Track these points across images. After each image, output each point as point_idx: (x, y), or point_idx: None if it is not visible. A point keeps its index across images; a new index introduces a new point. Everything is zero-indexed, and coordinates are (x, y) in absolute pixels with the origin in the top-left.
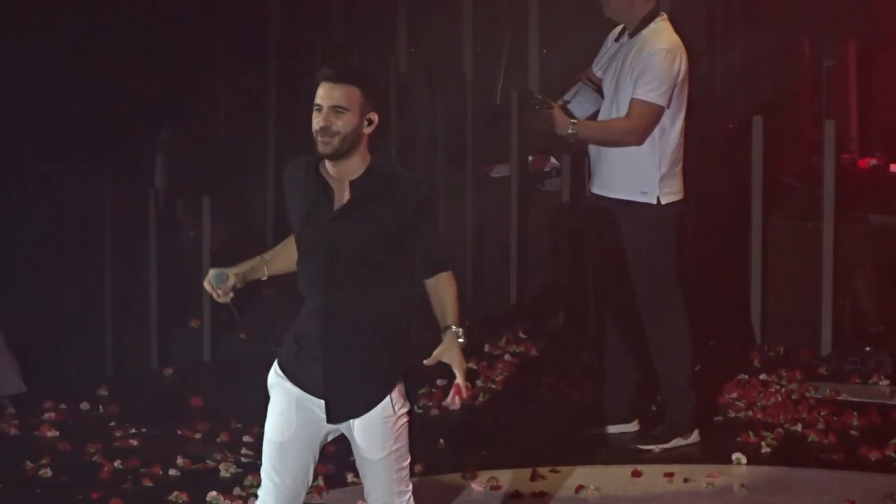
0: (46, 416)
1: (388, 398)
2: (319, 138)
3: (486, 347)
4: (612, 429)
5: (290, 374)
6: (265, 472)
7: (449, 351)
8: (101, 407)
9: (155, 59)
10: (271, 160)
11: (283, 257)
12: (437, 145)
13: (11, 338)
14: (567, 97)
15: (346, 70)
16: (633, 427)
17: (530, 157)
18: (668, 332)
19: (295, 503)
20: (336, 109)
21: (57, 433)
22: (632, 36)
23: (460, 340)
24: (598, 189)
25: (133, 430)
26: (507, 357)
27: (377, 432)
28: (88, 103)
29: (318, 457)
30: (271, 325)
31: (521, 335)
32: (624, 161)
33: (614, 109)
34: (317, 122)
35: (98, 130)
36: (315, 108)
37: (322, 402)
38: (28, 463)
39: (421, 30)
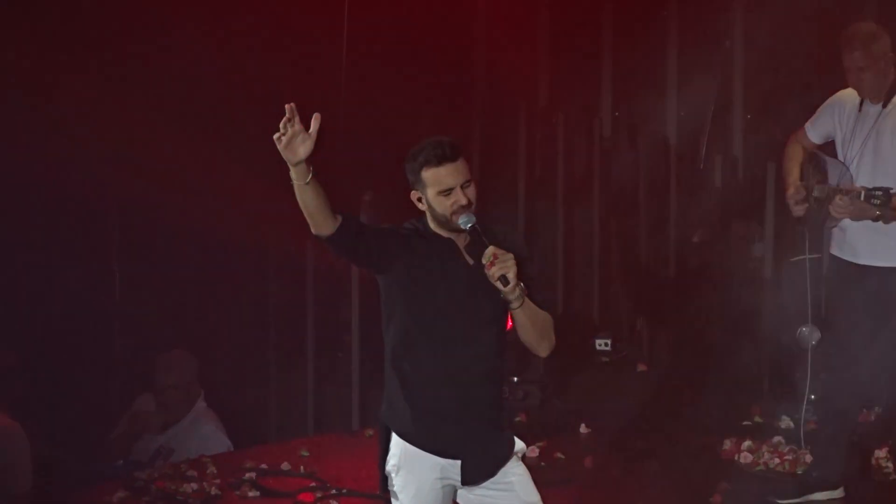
0: (247, 475)
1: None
2: (458, 215)
3: (686, 411)
4: (819, 496)
5: (422, 443)
6: None
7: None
8: (301, 467)
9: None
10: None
11: (321, 195)
12: (640, 209)
13: (213, 398)
14: (840, 182)
15: (452, 146)
16: (838, 493)
17: (733, 222)
18: None
19: None
20: (464, 185)
21: (258, 493)
22: (885, 105)
23: (522, 292)
24: (867, 259)
25: (334, 491)
26: (707, 421)
27: (524, 472)
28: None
29: None
30: None
31: (721, 400)
32: None
33: (880, 175)
34: (455, 200)
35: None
36: (444, 192)
37: (456, 463)
38: None
39: (625, 94)
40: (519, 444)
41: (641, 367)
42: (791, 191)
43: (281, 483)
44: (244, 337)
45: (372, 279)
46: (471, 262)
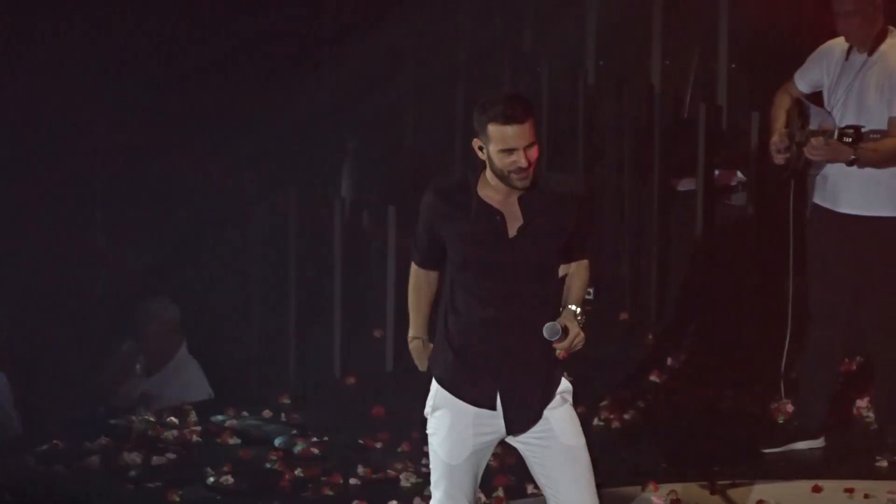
0: (228, 423)
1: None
2: (517, 175)
3: (669, 361)
4: (800, 445)
5: (457, 390)
6: (442, 491)
7: (565, 319)
8: (283, 415)
9: (349, 79)
10: (458, 171)
11: (427, 314)
12: (623, 158)
13: (194, 345)
14: (820, 125)
15: (524, 107)
16: (819, 443)
17: (716, 171)
18: None
19: None
20: (528, 147)
21: (238, 441)
22: (870, 53)
23: (578, 318)
24: (846, 208)
25: (314, 439)
26: (689, 371)
27: (567, 415)
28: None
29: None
30: None
31: (703, 349)
32: (880, 178)
33: (863, 124)
34: (515, 161)
35: (287, 143)
36: (506, 150)
37: (496, 413)
38: (209, 470)
39: (609, 43)
40: (564, 384)
41: (623, 316)
42: (775, 138)
43: (262, 431)
44: (226, 285)
45: (353, 228)
46: (511, 234)
